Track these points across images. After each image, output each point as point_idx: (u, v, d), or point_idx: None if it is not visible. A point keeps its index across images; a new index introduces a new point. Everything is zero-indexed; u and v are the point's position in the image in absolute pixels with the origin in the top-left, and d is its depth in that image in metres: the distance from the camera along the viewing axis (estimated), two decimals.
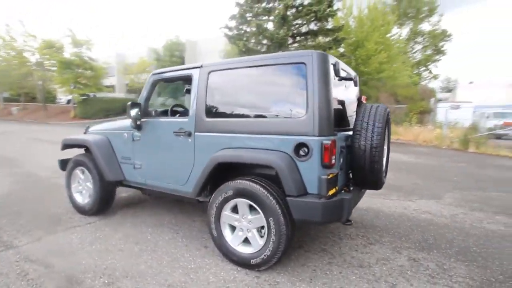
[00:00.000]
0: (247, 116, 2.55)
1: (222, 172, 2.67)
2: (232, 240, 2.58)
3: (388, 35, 21.57)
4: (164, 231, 3.28)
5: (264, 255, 2.38)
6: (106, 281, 2.34)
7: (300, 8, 18.21)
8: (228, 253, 2.58)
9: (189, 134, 2.81)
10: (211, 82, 2.74)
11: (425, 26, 35.93)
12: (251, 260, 2.45)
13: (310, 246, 2.94)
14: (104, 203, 3.66)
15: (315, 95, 2.22)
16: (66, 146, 3.92)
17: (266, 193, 2.35)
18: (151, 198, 4.44)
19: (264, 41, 19.46)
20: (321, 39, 19.20)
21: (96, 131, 3.83)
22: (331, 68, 2.34)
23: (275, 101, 2.46)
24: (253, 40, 19.69)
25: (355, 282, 2.38)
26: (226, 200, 2.55)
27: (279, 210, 2.31)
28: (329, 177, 2.19)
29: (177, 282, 2.34)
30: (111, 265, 2.57)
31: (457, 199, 4.68)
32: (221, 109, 2.71)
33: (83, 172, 3.75)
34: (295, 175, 2.25)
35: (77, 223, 3.49)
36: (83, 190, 3.77)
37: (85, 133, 4.02)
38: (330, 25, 18.79)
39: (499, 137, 12.56)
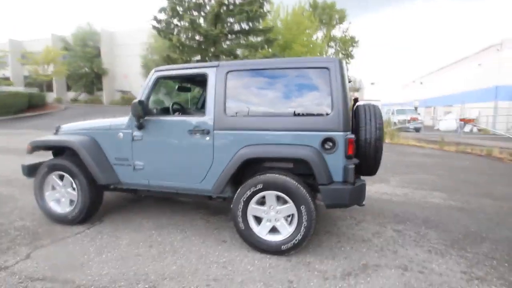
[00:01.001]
0: (272, 115, 2.74)
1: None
2: (260, 231, 2.75)
3: (311, 39, 23.62)
4: (171, 232, 3.21)
5: (296, 240, 2.63)
6: (147, 286, 2.26)
7: (232, 7, 18.50)
8: (257, 243, 2.74)
9: (207, 132, 2.85)
10: (230, 82, 2.82)
11: (337, 32, 40.39)
12: (282, 246, 2.67)
13: (315, 230, 3.30)
14: (93, 210, 3.34)
15: (338, 95, 2.56)
16: (37, 148, 3.42)
17: (297, 184, 2.60)
18: (128, 201, 4.18)
19: (197, 37, 19.16)
20: (253, 38, 19.90)
21: (76, 131, 3.44)
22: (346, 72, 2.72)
23: (300, 101, 2.71)
24: (183, 35, 19.17)
25: (367, 253, 2.83)
26: (254, 194, 2.70)
27: (310, 198, 2.59)
28: (353, 166, 2.56)
29: (219, 275, 2.41)
30: (140, 271, 2.46)
31: (399, 181, 5.69)
32: (243, 108, 2.83)
33: (61, 178, 3.34)
34: (325, 167, 2.56)
35: (62, 234, 3.12)
36: (62, 197, 3.35)
37: (55, 133, 3.55)
38: (261, 25, 19.60)
39: (405, 130, 15.20)
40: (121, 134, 3.16)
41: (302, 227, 2.61)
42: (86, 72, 29.66)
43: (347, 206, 2.68)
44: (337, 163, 2.58)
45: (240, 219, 2.75)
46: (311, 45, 22.57)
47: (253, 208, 2.75)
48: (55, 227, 3.27)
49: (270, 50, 20.47)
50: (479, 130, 16.99)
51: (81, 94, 31.43)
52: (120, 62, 31.93)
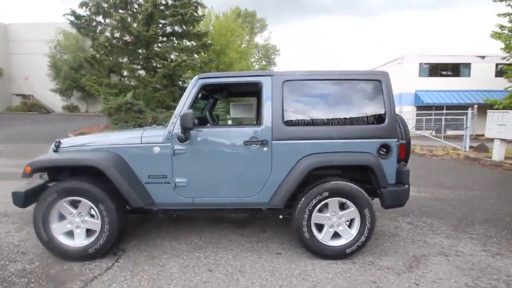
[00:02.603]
0: (330, 123, 2.83)
1: None
2: (324, 238, 2.80)
3: (242, 46, 24.17)
4: (216, 252, 2.98)
5: (359, 242, 2.77)
6: None
7: (163, 8, 17.65)
8: (322, 250, 2.78)
9: (265, 143, 2.76)
10: (286, 91, 2.80)
11: (259, 40, 42.27)
12: (347, 250, 2.78)
13: None
14: (119, 239, 2.85)
15: (391, 106, 2.82)
16: (39, 170, 2.75)
17: (359, 189, 2.75)
18: (135, 223, 3.68)
19: (125, 37, 17.66)
20: (188, 42, 19.33)
21: (88, 147, 2.88)
22: None
23: (355, 110, 2.86)
24: (109, 34, 17.44)
25: (406, 245, 3.16)
26: (319, 202, 2.74)
27: (371, 201, 2.78)
28: (408, 169, 2.85)
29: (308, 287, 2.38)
30: None
31: None
32: (301, 117, 2.83)
33: (74, 204, 2.76)
34: (383, 171, 2.77)
35: (89, 273, 2.58)
36: (76, 228, 2.77)
37: (56, 150, 2.90)
38: (195, 30, 19.17)
39: None
40: (157, 149, 2.79)
41: (366, 229, 2.77)
42: None
43: (402, 205, 2.94)
44: (391, 167, 2.83)
45: (305, 229, 2.75)
46: (245, 52, 23.11)
47: (316, 216, 2.79)
48: (70, 266, 2.68)
49: (205, 54, 20.19)
50: None
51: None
52: (19, 62, 27.06)
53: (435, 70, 21.59)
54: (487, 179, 6.80)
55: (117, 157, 2.79)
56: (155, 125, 3.61)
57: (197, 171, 2.82)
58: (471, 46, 21.23)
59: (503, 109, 11.57)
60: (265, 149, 2.78)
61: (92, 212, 2.77)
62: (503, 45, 12.49)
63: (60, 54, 26.25)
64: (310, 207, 2.74)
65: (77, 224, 2.77)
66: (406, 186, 2.87)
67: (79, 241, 2.76)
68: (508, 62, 14.97)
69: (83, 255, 2.73)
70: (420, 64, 21.55)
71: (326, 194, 2.73)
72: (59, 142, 2.95)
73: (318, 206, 2.76)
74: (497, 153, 8.60)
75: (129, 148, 2.84)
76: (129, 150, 2.83)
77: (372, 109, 2.87)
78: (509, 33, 11.65)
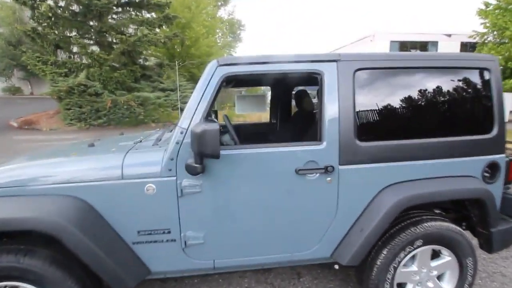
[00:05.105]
0: (423, 135, 1.86)
1: None
2: None
3: (209, 19, 22.13)
4: None
5: None
6: None
7: None
8: None
9: (330, 170, 1.74)
10: (359, 87, 1.78)
11: (224, 14, 39.72)
12: None
13: None
14: None
15: (500, 108, 1.93)
16: None
17: (462, 232, 1.89)
18: None
19: (74, 7, 15.10)
20: (148, 14, 17.09)
21: (31, 187, 1.64)
22: None
23: (455, 113, 1.93)
24: (51, 2, 14.74)
25: (485, 283, 2.42)
26: (408, 254, 1.84)
27: (474, 249, 1.93)
28: None
29: None
30: None
31: None
32: (381, 128, 1.84)
33: None
34: (495, 205, 1.92)
35: None
36: None
37: None
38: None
39: None
40: (152, 187, 1.65)
41: (466, 285, 1.94)
42: None
43: (508, 247, 2.14)
44: (498, 194, 1.99)
45: None
46: (212, 26, 21.18)
47: (401, 272, 1.89)
48: None
49: (168, 29, 18.10)
50: None
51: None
52: None
53: (405, 47, 21.59)
54: None
55: (80, 206, 1.60)
56: (141, 138, 2.23)
57: (221, 220, 1.74)
58: (438, 23, 21.45)
59: None
60: (328, 179, 1.76)
61: None
62: (487, 24, 12.25)
63: None
64: (395, 263, 1.82)
65: None
66: None
67: None
68: (474, 40, 15.12)
69: None
70: (391, 41, 21.39)
71: (419, 243, 1.82)
72: None
73: (406, 259, 1.86)
74: None
75: (102, 187, 1.65)
76: (102, 191, 1.65)
77: (476, 111, 1.95)
78: (497, 11, 11.41)
